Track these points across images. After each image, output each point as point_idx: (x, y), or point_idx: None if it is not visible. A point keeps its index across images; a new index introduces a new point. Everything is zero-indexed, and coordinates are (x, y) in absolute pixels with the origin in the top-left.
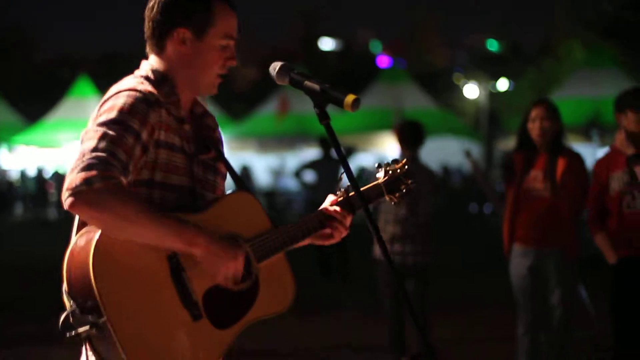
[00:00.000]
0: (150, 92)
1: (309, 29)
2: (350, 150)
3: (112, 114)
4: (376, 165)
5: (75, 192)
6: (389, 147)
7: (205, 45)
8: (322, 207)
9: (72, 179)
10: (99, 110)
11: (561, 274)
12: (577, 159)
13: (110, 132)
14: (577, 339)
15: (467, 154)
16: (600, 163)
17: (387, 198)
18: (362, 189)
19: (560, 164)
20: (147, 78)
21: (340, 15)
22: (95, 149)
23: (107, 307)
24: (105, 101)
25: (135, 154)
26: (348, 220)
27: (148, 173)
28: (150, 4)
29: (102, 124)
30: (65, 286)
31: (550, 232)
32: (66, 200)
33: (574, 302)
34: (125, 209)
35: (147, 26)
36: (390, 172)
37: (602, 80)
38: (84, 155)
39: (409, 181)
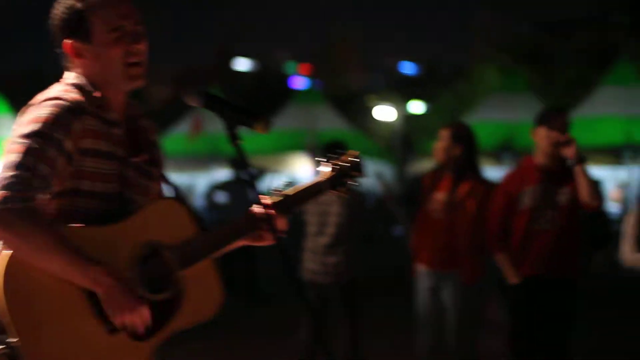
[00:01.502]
0: (75, 100)
1: (224, 49)
2: (263, 171)
3: (36, 126)
4: (322, 159)
5: None
6: (301, 168)
7: (98, 45)
8: (252, 208)
9: None
10: (23, 117)
11: (458, 298)
12: (482, 183)
13: (33, 145)
14: None
15: (379, 176)
16: (511, 177)
17: (333, 192)
18: (304, 186)
19: (464, 187)
20: (73, 85)
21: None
22: (17, 165)
23: (18, 326)
24: (30, 109)
25: (59, 166)
26: (280, 222)
27: (74, 182)
28: None
29: (25, 136)
30: None
31: (448, 254)
32: None
33: (475, 326)
34: (35, 238)
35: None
36: (337, 165)
37: (516, 104)
38: (6, 172)
39: (357, 173)
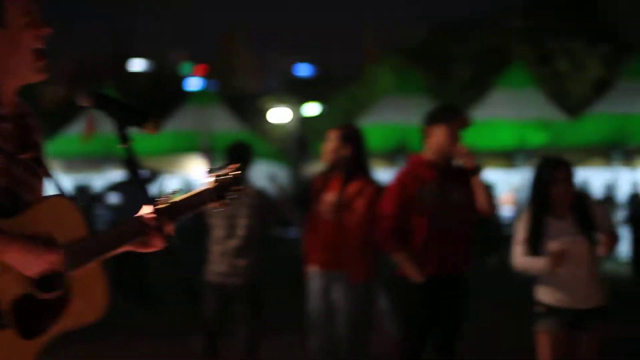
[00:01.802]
0: None
1: (118, 49)
2: (156, 173)
3: None
4: (207, 170)
5: None
6: (195, 169)
7: (11, 29)
8: (139, 213)
9: None
10: None
11: (348, 298)
12: (372, 183)
13: None
14: None
15: (272, 178)
16: (406, 175)
17: (215, 204)
18: (189, 195)
19: (353, 188)
20: None
21: (151, 36)
22: None
23: None
24: None
25: None
26: (167, 228)
27: None
28: None
29: None
30: None
31: (338, 255)
32: None
33: (365, 326)
34: None
35: None
36: (220, 177)
37: (410, 106)
38: None
39: (239, 187)
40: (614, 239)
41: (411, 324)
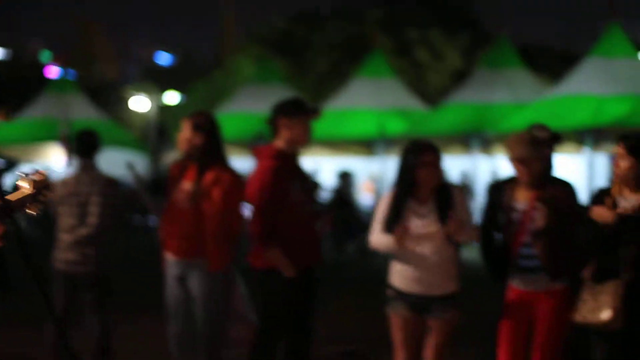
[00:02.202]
0: None
1: None
2: (14, 161)
3: None
4: (21, 176)
5: None
6: (54, 157)
7: None
8: None
9: None
10: None
11: (205, 286)
12: (228, 171)
13: None
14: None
15: (130, 166)
16: (273, 169)
17: (29, 210)
18: (15, 196)
19: (209, 176)
20: None
21: (9, 23)
22: None
23: None
24: None
25: None
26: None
27: None
28: None
29: None
30: None
31: (195, 243)
32: None
33: (221, 314)
34: None
35: None
36: (34, 182)
37: (270, 95)
38: None
39: (48, 191)
40: (471, 228)
41: (275, 315)
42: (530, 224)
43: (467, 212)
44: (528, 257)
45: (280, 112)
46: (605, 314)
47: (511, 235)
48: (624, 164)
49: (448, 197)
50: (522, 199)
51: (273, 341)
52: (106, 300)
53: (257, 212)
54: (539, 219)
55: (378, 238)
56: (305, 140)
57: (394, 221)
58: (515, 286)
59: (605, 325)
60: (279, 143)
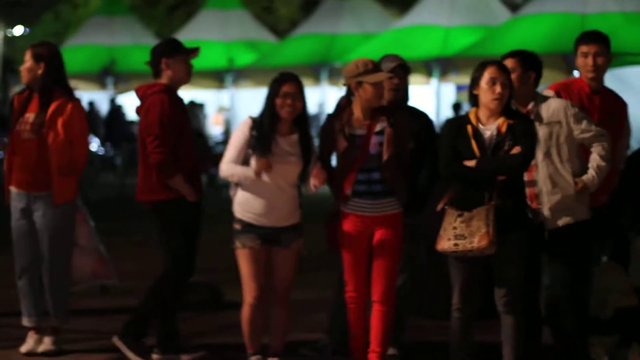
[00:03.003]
0: None
1: None
2: None
3: None
4: None
5: None
6: None
7: None
8: None
9: None
10: None
11: (49, 218)
12: (72, 102)
13: None
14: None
15: None
16: (164, 102)
17: None
18: None
19: (52, 107)
20: None
21: None
22: None
23: None
24: None
25: None
26: None
27: None
28: None
29: None
30: None
31: (38, 175)
32: None
33: (66, 246)
34: None
35: None
36: None
37: (117, 27)
38: None
39: None
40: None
41: (181, 245)
42: (372, 150)
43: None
44: (366, 182)
45: (161, 54)
46: (478, 240)
47: (350, 160)
48: (514, 77)
49: (308, 135)
50: (363, 125)
51: (184, 273)
52: None
53: (160, 141)
54: (384, 145)
55: (230, 167)
56: (187, 78)
57: (254, 151)
58: (353, 211)
59: (479, 250)
60: (163, 81)
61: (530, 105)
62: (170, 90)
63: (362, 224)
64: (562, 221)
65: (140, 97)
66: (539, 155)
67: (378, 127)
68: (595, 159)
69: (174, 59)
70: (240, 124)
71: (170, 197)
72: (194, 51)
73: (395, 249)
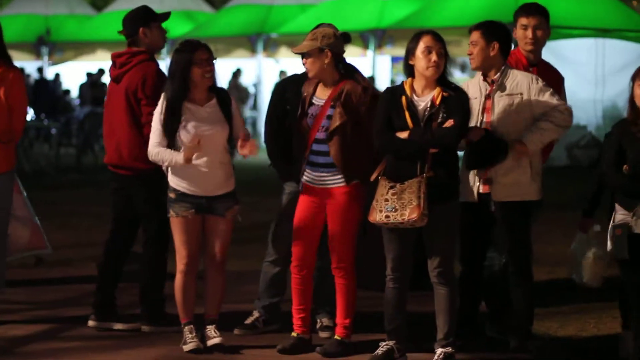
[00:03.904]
0: None
1: None
2: None
3: None
4: None
5: None
6: None
7: None
8: None
9: None
10: None
11: None
12: (12, 70)
13: None
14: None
15: None
16: (161, 73)
17: None
18: None
19: None
20: None
21: None
22: None
23: None
24: None
25: None
26: None
27: None
28: None
29: None
30: None
31: None
32: None
33: (5, 215)
34: None
35: None
36: None
37: None
38: None
39: None
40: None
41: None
42: (324, 121)
43: (243, 122)
44: (319, 153)
45: (138, 23)
46: (409, 213)
47: (305, 130)
48: (477, 49)
49: (227, 99)
50: (321, 96)
51: (167, 240)
52: None
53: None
54: (333, 116)
55: (159, 153)
56: (162, 43)
57: (173, 128)
58: (304, 181)
59: (410, 223)
60: (143, 49)
61: (496, 75)
62: (154, 58)
63: (312, 194)
64: (510, 198)
65: (122, 63)
66: (496, 124)
67: (331, 99)
68: (545, 121)
69: (150, 27)
70: (158, 105)
71: (154, 165)
72: (166, 16)
73: (345, 222)
